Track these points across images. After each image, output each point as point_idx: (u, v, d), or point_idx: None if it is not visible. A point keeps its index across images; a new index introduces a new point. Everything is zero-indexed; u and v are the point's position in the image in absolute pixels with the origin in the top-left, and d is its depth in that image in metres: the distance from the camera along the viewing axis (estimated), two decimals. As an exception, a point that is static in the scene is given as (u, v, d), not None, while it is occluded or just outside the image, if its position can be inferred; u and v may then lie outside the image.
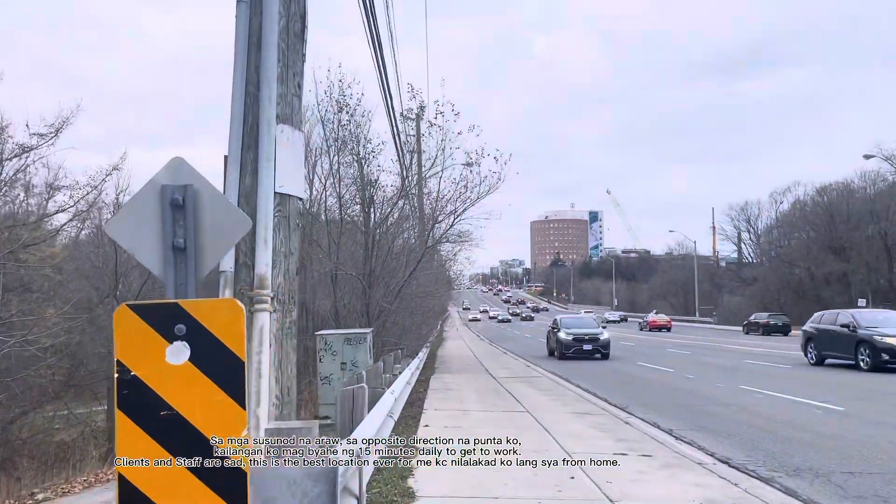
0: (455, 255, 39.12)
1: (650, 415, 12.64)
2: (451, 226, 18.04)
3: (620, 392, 16.43)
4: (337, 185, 16.81)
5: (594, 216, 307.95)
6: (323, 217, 17.27)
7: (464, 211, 17.41)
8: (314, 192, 17.32)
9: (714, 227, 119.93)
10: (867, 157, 56.41)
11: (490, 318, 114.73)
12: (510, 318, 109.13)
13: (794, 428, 10.90)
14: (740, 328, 62.23)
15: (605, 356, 28.07)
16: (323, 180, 17.08)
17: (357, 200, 16.92)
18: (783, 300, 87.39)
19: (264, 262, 5.07)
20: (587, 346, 27.91)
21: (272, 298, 5.08)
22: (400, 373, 12.17)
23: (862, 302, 70.53)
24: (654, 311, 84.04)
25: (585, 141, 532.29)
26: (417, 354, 17.65)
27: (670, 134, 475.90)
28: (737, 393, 15.82)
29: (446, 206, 17.38)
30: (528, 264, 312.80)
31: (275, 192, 5.27)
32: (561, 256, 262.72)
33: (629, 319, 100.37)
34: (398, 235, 18.22)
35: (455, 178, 17.49)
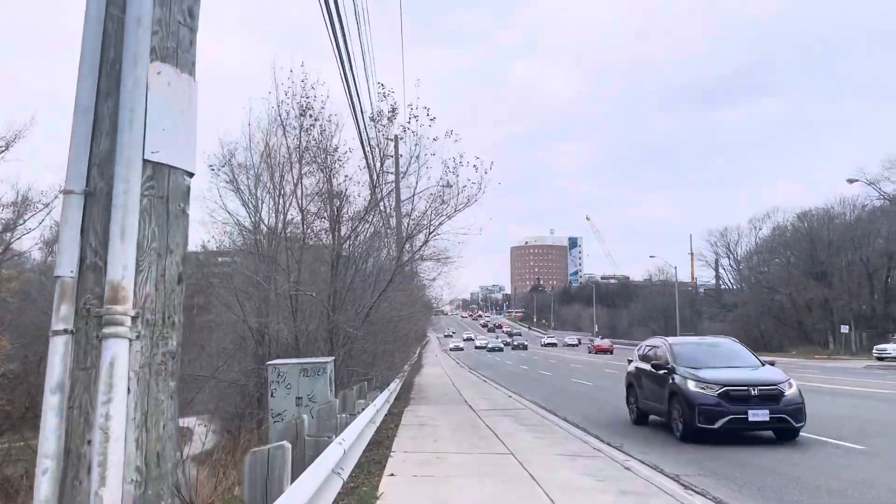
0: (434, 279, 37.83)
1: (651, 456, 11.10)
2: (426, 242, 16.45)
3: (608, 423, 14.93)
4: (300, 198, 15.20)
5: (573, 242, 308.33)
6: (282, 231, 15.59)
7: (439, 225, 15.84)
8: (276, 206, 15.74)
9: (692, 254, 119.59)
10: (850, 181, 55.88)
11: (476, 347, 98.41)
12: (502, 346, 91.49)
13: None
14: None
15: (793, 433, 12.56)
16: (285, 192, 15.47)
17: (322, 214, 15.31)
18: (764, 326, 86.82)
19: (121, 263, 3.38)
20: (758, 414, 12.13)
21: (134, 318, 3.37)
22: (362, 410, 10.52)
23: (845, 328, 69.96)
24: (600, 336, 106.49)
25: (565, 167, 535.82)
26: (388, 386, 15.89)
27: (649, 161, 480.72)
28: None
29: (421, 219, 15.87)
30: (508, 290, 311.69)
31: (144, 160, 3.56)
32: (541, 282, 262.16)
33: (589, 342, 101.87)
34: (370, 254, 16.58)
35: (431, 192, 16.01)
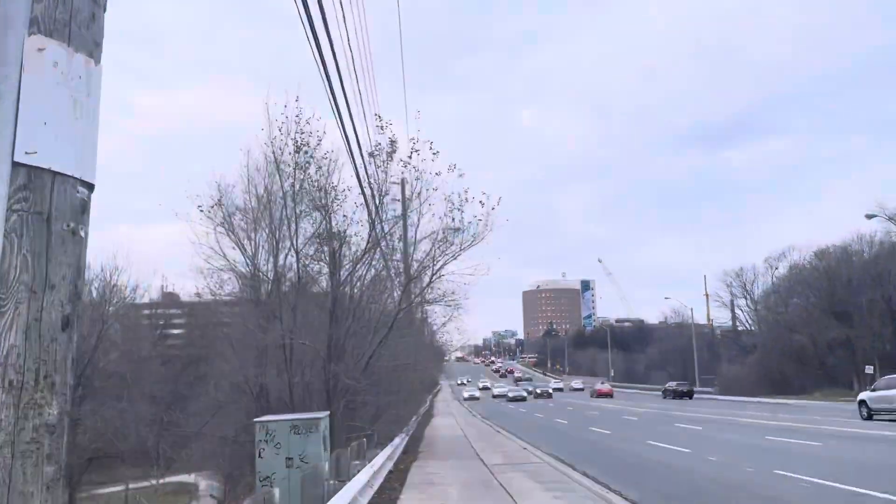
0: (444, 324, 36.75)
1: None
2: (430, 283, 15.35)
3: (637, 481, 13.62)
4: (294, 240, 14.24)
5: (586, 285, 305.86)
6: (279, 276, 14.63)
7: (443, 265, 14.78)
8: (273, 250, 14.77)
9: (707, 295, 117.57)
10: (869, 216, 54.65)
11: (495, 396, 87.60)
12: (524, 395, 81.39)
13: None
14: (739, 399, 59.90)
15: None
16: (283, 235, 14.52)
17: (320, 257, 14.32)
18: (784, 368, 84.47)
19: (-31, 301, 2.30)
20: None
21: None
22: (357, 472, 9.39)
23: (869, 369, 67.82)
24: (602, 380, 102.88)
25: (575, 210, 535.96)
26: (392, 441, 14.67)
27: (659, 203, 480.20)
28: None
29: (424, 260, 14.86)
30: (520, 335, 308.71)
31: (13, 162, 2.51)
32: (554, 326, 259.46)
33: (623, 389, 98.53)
34: (371, 299, 15.57)
35: (435, 230, 15.02)
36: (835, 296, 78.31)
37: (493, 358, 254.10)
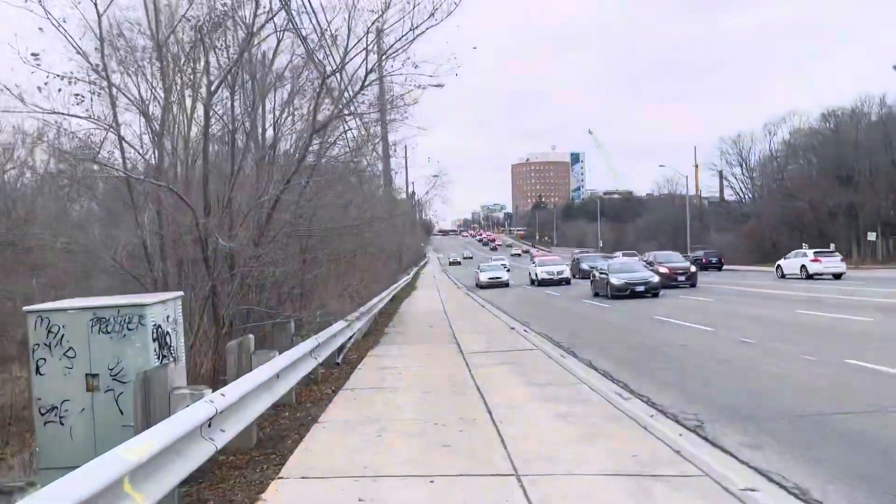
0: (427, 192, 32.87)
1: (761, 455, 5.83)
2: (366, 80, 9.96)
3: (652, 369, 9.68)
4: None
5: (576, 157, 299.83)
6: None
7: (386, 55, 9.52)
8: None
9: (697, 166, 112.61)
10: (896, 67, 49.17)
11: (480, 284, 63.65)
12: (504, 276, 58.35)
13: None
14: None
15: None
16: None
17: (195, 55, 9.03)
18: (779, 236, 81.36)
19: None
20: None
21: None
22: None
23: (872, 235, 64.69)
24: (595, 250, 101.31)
25: (567, 82, 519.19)
26: (330, 328, 10.01)
27: (654, 73, 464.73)
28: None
29: (355, 44, 9.76)
30: (509, 209, 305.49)
31: None
32: (543, 199, 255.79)
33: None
34: (286, 125, 10.52)
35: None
36: (842, 160, 73.82)
37: (480, 231, 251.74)
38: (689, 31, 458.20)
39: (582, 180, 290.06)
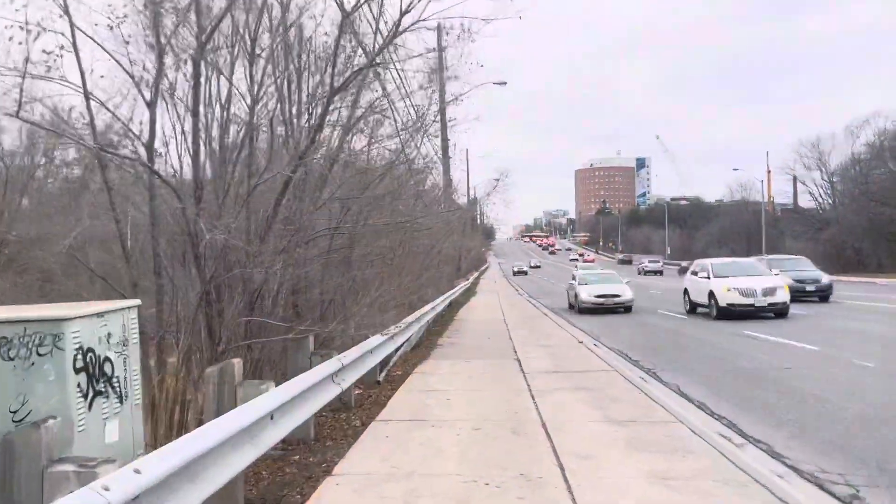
0: (488, 194, 31.22)
1: None
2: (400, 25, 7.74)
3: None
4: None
5: (641, 162, 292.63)
6: None
7: None
8: None
9: (769, 171, 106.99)
10: None
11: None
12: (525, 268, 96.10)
13: None
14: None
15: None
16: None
17: None
18: (862, 244, 76.08)
19: None
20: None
21: None
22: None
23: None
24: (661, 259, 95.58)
25: (634, 86, 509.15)
26: (351, 350, 7.91)
27: (725, 77, 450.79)
28: None
29: None
30: (572, 214, 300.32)
31: None
32: (607, 205, 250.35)
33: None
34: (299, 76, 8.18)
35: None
36: (934, 163, 68.48)
37: (543, 237, 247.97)
38: (766, 33, 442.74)
39: (648, 186, 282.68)
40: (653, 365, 12.51)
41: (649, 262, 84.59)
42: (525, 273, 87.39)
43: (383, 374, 11.18)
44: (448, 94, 12.25)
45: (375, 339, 8.72)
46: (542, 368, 11.73)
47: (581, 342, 15.77)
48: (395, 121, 12.60)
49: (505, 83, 35.19)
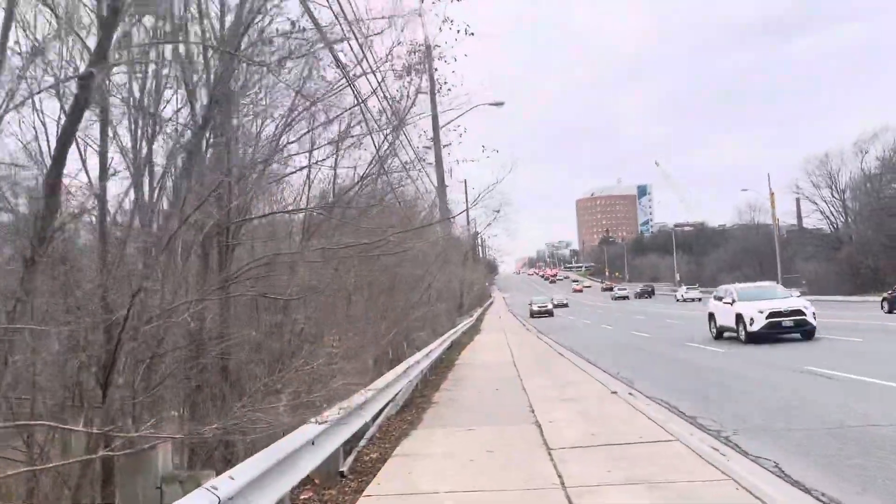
0: (489, 224, 28.73)
1: None
2: None
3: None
4: None
5: (643, 190, 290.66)
6: None
7: None
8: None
9: (773, 193, 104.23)
10: None
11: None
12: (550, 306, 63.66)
13: None
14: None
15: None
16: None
17: None
18: (879, 262, 72.76)
19: None
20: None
21: None
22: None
23: None
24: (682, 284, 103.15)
25: (631, 114, 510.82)
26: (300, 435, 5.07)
27: (721, 101, 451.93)
28: None
29: None
30: (575, 245, 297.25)
31: None
32: (610, 234, 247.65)
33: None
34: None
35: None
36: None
37: (545, 270, 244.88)
38: (759, 56, 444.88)
39: (650, 213, 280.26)
40: (718, 424, 9.31)
41: (618, 289, 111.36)
42: (549, 313, 60.66)
43: (350, 460, 7.96)
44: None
45: (293, 439, 5.38)
46: (573, 440, 8.48)
47: (614, 392, 12.50)
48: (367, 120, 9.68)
49: (503, 103, 32.72)
